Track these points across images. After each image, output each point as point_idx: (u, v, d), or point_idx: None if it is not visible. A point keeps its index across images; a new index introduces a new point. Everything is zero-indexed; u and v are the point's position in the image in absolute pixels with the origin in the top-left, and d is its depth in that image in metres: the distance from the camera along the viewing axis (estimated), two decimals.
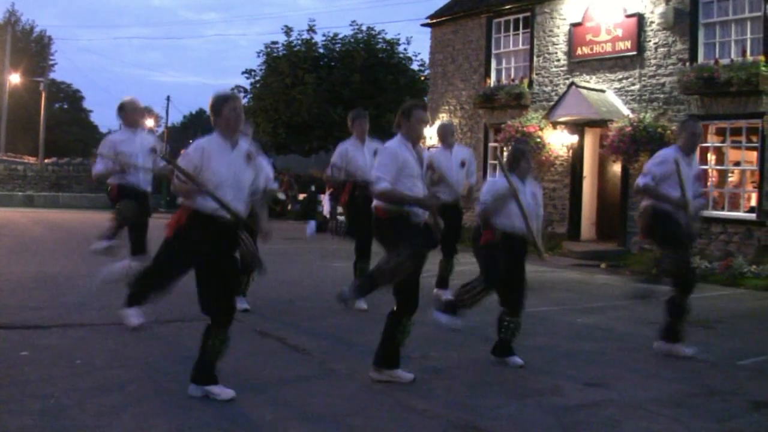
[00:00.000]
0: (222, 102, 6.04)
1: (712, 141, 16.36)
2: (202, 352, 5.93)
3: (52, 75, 59.54)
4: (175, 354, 7.26)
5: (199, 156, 5.94)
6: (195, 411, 5.57)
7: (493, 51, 21.54)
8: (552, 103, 18.84)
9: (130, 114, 8.73)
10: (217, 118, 6.04)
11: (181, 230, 5.92)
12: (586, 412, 5.99)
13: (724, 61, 15.52)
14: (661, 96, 16.95)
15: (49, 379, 6.18)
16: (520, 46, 20.78)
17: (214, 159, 5.94)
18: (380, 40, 33.65)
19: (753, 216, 15.34)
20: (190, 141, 69.02)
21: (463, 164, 10.53)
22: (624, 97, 17.73)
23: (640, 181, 8.16)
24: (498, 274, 7.37)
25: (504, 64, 21.39)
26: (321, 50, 33.65)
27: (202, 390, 5.89)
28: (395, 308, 6.50)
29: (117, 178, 8.60)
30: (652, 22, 17.19)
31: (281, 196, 31.79)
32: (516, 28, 20.91)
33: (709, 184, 16.37)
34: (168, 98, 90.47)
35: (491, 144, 21.52)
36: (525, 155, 7.58)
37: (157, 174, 8.91)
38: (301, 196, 33.36)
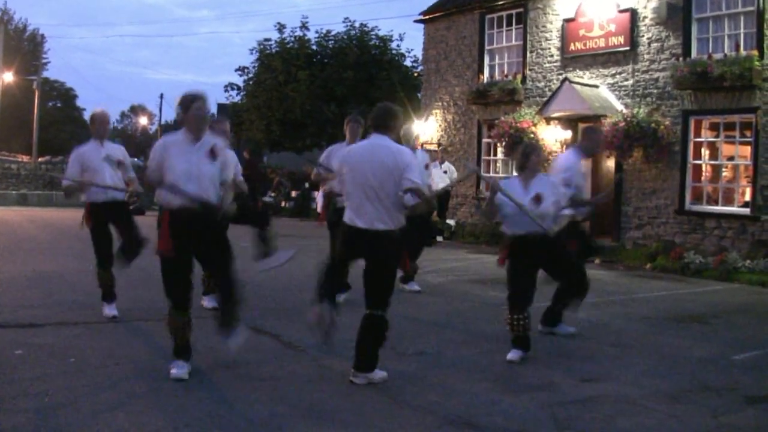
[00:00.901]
0: (190, 101, 6.50)
1: (706, 136, 16.37)
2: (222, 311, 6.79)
3: (45, 73, 59.38)
4: (170, 352, 7.25)
5: (161, 151, 6.51)
6: (189, 408, 5.57)
7: (486, 47, 21.51)
8: (545, 99, 18.83)
9: (99, 126, 8.99)
10: (184, 114, 6.52)
11: (167, 229, 6.44)
12: (581, 407, 5.99)
13: (718, 55, 15.50)
14: (655, 91, 16.95)
15: (44, 378, 6.18)
16: (513, 42, 20.76)
17: (174, 154, 6.44)
18: (373, 37, 33.61)
19: (747, 211, 15.35)
20: None
21: (426, 167, 11.02)
22: (617, 93, 17.73)
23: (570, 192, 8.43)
24: (522, 297, 7.64)
25: (497, 60, 21.37)
26: (314, 47, 33.59)
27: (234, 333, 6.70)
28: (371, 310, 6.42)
29: (88, 196, 8.80)
30: (645, 17, 17.19)
31: (269, 199, 31.79)
32: (509, 24, 20.89)
33: (702, 178, 16.40)
34: (161, 96, 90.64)
35: (485, 140, 21.52)
36: (536, 150, 7.79)
37: (113, 187, 8.86)
38: (295, 194, 33.34)
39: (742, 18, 15.51)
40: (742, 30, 15.49)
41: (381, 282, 6.40)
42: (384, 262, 6.40)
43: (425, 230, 11.18)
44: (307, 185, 31.64)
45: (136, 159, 57.51)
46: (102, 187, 8.60)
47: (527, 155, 7.64)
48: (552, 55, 19.40)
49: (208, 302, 9.33)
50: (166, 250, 6.43)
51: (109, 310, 8.79)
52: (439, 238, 19.99)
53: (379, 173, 6.24)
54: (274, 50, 33.46)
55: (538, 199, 7.41)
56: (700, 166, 16.42)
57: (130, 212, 9.20)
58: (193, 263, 6.62)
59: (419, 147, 11.55)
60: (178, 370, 6.39)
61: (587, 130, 9.51)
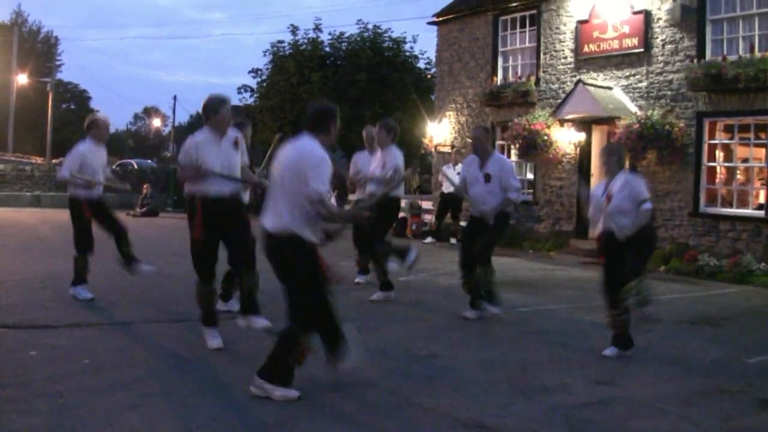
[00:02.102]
0: (219, 104, 7.32)
1: (720, 138, 16.29)
2: (243, 291, 8.04)
3: (59, 75, 59.72)
4: (183, 353, 7.28)
5: (195, 150, 7.30)
6: (202, 409, 5.58)
7: (500, 49, 21.46)
8: (559, 101, 18.77)
9: (101, 130, 9.94)
10: (214, 115, 7.30)
11: (201, 219, 7.26)
12: (594, 410, 5.98)
13: (732, 57, 15.44)
14: (669, 93, 16.89)
15: (57, 379, 6.21)
16: (527, 44, 20.70)
17: (208, 151, 7.28)
18: (386, 39, 33.59)
19: (761, 213, 15.27)
20: None
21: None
22: (631, 95, 17.67)
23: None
24: (606, 293, 7.94)
25: (510, 62, 21.32)
26: (327, 49, 33.60)
27: (245, 319, 7.95)
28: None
29: (83, 193, 9.73)
30: (659, 19, 17.13)
31: None
32: (522, 26, 20.84)
33: (717, 181, 16.33)
34: (175, 98, 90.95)
35: (498, 142, 21.45)
36: (609, 151, 8.26)
37: (110, 185, 10.34)
38: None
39: (756, 19, 15.43)
40: (756, 31, 15.41)
41: (288, 292, 5.98)
42: (279, 268, 5.95)
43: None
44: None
45: (149, 161, 57.74)
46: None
47: (601, 156, 8.25)
48: (565, 57, 19.36)
49: (221, 305, 9.30)
50: (199, 238, 7.28)
51: (85, 293, 9.78)
52: (453, 240, 19.97)
53: (286, 174, 5.86)
54: (287, 52, 33.49)
55: (608, 198, 7.73)
56: (714, 168, 16.34)
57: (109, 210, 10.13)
58: (219, 245, 7.48)
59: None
60: (213, 340, 7.39)
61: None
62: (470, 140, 9.86)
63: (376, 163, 10.60)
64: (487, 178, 9.32)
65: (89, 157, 9.61)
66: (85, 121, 10.17)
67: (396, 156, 10.37)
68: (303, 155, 5.85)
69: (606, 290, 7.89)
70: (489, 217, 9.30)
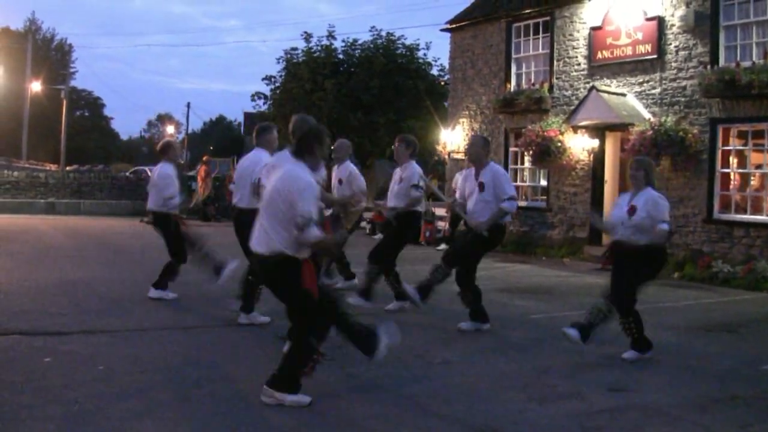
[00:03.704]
0: (272, 126, 8.24)
1: (734, 144, 16.24)
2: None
3: (72, 83, 59.98)
4: (196, 360, 7.29)
5: (265, 170, 7.51)
6: (216, 416, 5.59)
7: (513, 55, 21.45)
8: (572, 108, 18.74)
9: (176, 152, 11.22)
10: (268, 135, 8.43)
11: None
12: (608, 417, 5.97)
13: (746, 63, 15.38)
14: (682, 99, 16.85)
15: (72, 385, 6.23)
16: (540, 51, 20.69)
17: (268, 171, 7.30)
18: (400, 46, 33.57)
19: None
20: (211, 147, 68.62)
21: (340, 182, 11.48)
22: (645, 101, 17.63)
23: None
24: (617, 302, 8.03)
25: (524, 69, 21.31)
26: (340, 56, 33.61)
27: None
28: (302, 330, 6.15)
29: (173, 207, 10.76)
30: (672, 25, 17.09)
31: None
32: (536, 33, 20.82)
33: (731, 187, 16.27)
34: (188, 105, 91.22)
35: (512, 149, 21.43)
36: (635, 165, 8.25)
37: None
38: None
39: None
40: None
41: (291, 309, 6.34)
42: (277, 287, 6.25)
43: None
44: None
45: None
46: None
47: (630, 168, 8.22)
48: (579, 64, 19.33)
49: (243, 318, 9.19)
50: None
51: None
52: None
53: (275, 198, 6.07)
54: (300, 59, 33.51)
55: (632, 211, 7.91)
56: (728, 174, 16.29)
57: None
58: None
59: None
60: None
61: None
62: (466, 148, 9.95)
63: (395, 178, 10.63)
64: (481, 186, 9.17)
65: (175, 177, 10.63)
66: (160, 144, 11.23)
67: (413, 172, 10.37)
68: (290, 181, 5.99)
69: (609, 298, 8.08)
70: (483, 229, 9.05)
